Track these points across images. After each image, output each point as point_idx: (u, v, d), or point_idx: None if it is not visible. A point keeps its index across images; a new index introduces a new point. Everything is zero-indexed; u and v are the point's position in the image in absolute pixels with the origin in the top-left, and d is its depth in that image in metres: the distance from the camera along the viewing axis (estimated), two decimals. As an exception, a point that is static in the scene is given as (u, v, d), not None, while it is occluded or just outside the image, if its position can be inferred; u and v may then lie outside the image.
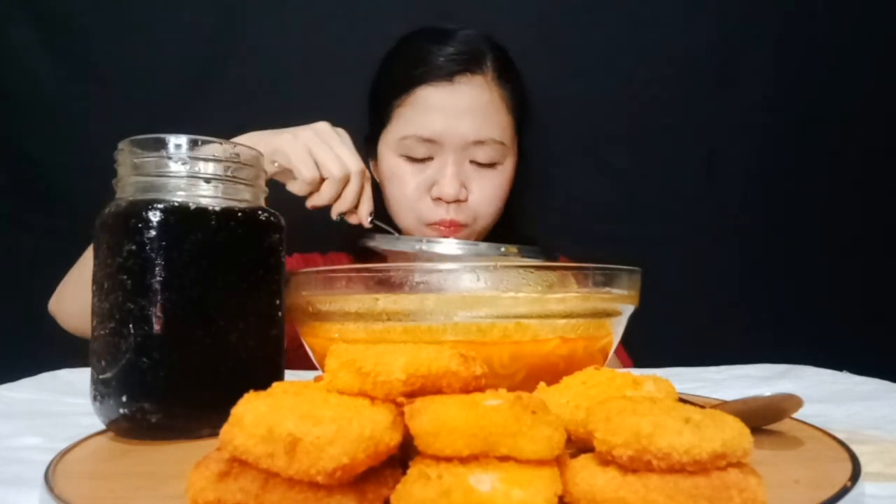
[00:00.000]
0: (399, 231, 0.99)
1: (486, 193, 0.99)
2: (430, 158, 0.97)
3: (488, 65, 0.99)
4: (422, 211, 0.98)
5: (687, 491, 0.27)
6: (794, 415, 0.44)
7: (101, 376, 0.45)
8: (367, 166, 1.09)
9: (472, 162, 0.98)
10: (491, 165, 0.99)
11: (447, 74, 0.96)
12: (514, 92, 1.01)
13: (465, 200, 0.98)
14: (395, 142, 0.98)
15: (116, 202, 0.46)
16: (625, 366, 1.00)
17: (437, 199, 0.97)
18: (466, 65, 0.97)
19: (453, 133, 0.95)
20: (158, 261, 0.43)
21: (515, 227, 1.12)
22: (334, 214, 0.88)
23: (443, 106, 0.96)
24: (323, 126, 0.87)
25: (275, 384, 0.33)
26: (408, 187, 0.98)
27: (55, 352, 0.85)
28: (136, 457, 0.41)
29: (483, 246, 0.80)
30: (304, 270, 0.53)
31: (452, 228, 0.98)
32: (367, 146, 1.07)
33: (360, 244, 0.89)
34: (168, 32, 1.16)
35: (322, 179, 0.84)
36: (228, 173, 0.47)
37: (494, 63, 0.99)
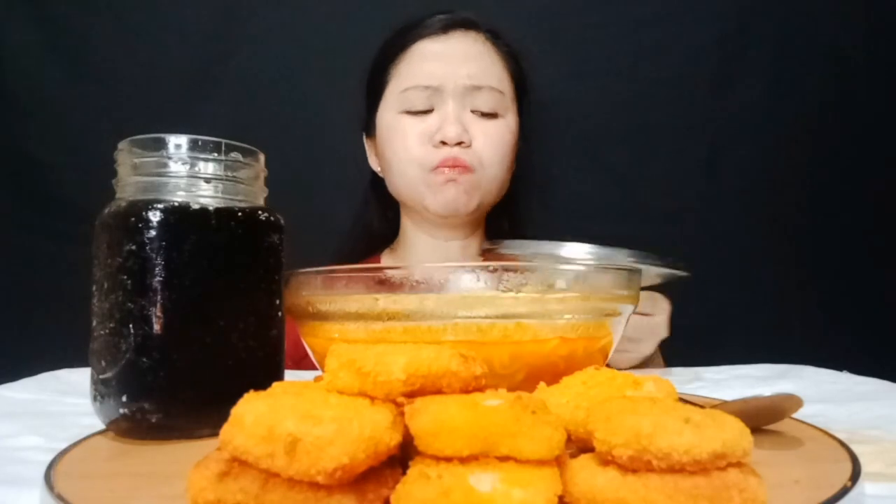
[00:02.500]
0: None
1: (490, 140, 0.98)
2: (430, 111, 0.97)
3: (480, 27, 1.02)
4: (424, 158, 0.97)
5: (687, 491, 0.27)
6: (794, 415, 0.44)
7: (101, 376, 0.45)
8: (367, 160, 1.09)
9: (473, 112, 0.98)
10: (492, 116, 0.99)
11: (441, 28, 0.99)
12: (508, 52, 1.03)
13: (470, 145, 0.97)
14: (395, 97, 0.99)
15: (116, 202, 0.46)
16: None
17: (441, 144, 0.96)
18: (460, 23, 1.00)
19: (452, 79, 0.96)
20: (158, 261, 0.43)
21: (517, 226, 1.11)
22: None
23: (440, 54, 0.98)
24: None
25: (275, 384, 0.33)
26: (410, 138, 0.97)
27: (55, 352, 0.85)
28: (136, 457, 0.41)
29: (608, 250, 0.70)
30: (304, 270, 0.53)
31: (458, 170, 0.96)
32: (366, 132, 1.07)
33: (484, 248, 0.85)
34: (168, 32, 1.16)
35: None
36: (228, 173, 0.47)
37: (486, 27, 1.02)
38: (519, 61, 1.04)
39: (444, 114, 0.96)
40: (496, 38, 1.02)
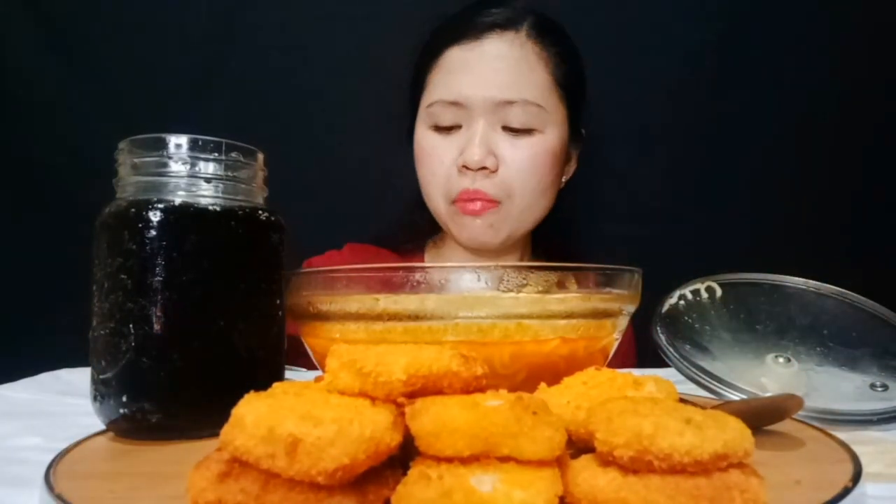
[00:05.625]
0: None
1: (521, 165, 0.87)
2: (458, 127, 0.88)
3: (523, 24, 0.89)
4: (445, 187, 0.88)
5: (688, 492, 0.27)
6: (795, 415, 0.44)
7: (101, 376, 0.44)
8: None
9: (505, 129, 0.87)
10: (527, 133, 0.88)
11: (476, 33, 0.88)
12: (556, 53, 0.91)
13: (496, 171, 0.86)
14: (423, 111, 0.91)
15: (116, 202, 0.46)
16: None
17: (463, 168, 0.86)
18: (498, 23, 0.89)
19: (478, 93, 0.86)
20: (158, 261, 0.43)
21: (567, 242, 1.03)
22: None
23: (468, 65, 0.88)
24: None
25: (275, 384, 0.33)
26: (435, 161, 0.89)
27: (55, 352, 0.85)
28: (136, 457, 0.41)
29: None
30: (305, 270, 0.53)
31: (479, 204, 0.86)
32: (408, 139, 1.00)
33: None
34: (168, 32, 1.16)
35: None
36: (229, 173, 0.47)
37: (532, 22, 0.90)
38: (571, 60, 0.93)
39: (471, 134, 0.86)
40: (542, 34, 0.90)
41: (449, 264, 0.74)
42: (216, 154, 0.46)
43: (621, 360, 1.00)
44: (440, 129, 0.89)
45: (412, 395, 0.31)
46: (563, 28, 0.94)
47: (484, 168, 0.86)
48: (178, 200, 0.45)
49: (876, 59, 1.22)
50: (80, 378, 0.66)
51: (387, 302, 0.48)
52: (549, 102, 0.89)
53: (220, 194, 0.46)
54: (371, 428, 0.28)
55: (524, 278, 0.49)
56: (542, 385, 0.39)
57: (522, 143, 0.88)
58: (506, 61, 0.88)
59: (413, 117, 0.97)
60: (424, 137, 0.91)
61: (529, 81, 0.88)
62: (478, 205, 0.87)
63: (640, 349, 1.00)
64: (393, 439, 0.29)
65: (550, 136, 0.90)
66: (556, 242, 1.03)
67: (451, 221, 0.91)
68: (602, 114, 1.22)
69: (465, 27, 0.89)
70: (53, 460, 0.38)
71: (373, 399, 0.31)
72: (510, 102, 0.86)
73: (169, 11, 1.16)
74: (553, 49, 0.90)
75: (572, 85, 0.93)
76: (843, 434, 0.43)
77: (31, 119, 1.15)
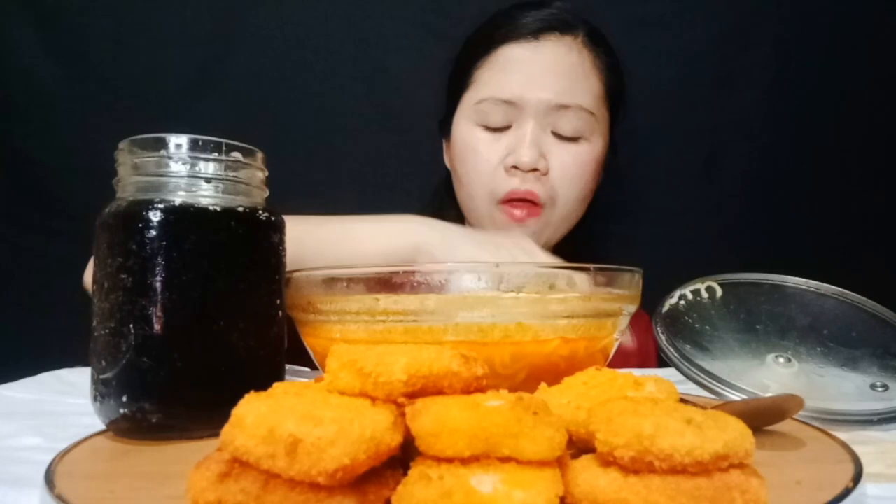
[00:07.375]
0: None
1: (568, 171, 0.87)
2: (507, 127, 0.87)
3: (580, 30, 0.89)
4: (493, 186, 0.87)
5: (689, 492, 0.27)
6: (796, 415, 0.44)
7: (101, 376, 0.44)
8: (442, 154, 1.00)
9: (554, 134, 0.87)
10: (575, 140, 0.87)
11: (533, 32, 0.87)
12: (609, 64, 0.92)
13: (546, 173, 0.85)
14: (470, 107, 0.89)
15: (116, 202, 0.46)
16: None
17: (512, 169, 0.85)
18: (555, 25, 0.88)
19: (534, 94, 0.85)
20: (158, 261, 0.43)
21: (589, 247, 1.02)
22: None
23: (525, 64, 0.86)
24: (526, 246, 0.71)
25: (275, 385, 0.33)
26: (481, 159, 0.87)
27: (55, 352, 0.85)
28: (136, 457, 0.41)
29: None
30: (305, 270, 0.53)
31: (527, 208, 0.85)
32: (441, 130, 1.00)
33: None
34: (168, 32, 1.16)
35: None
36: (229, 173, 0.47)
37: (587, 29, 0.90)
38: (620, 72, 0.93)
39: (521, 134, 0.85)
40: (596, 43, 0.91)
41: (448, 264, 0.74)
42: (216, 154, 0.46)
43: (642, 359, 0.99)
44: (487, 127, 0.88)
45: (412, 396, 0.31)
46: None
47: (535, 170, 0.85)
48: (178, 200, 0.45)
49: (876, 58, 1.22)
50: (80, 378, 0.66)
51: (387, 302, 0.48)
52: (599, 111, 0.90)
53: (220, 194, 0.46)
54: (371, 428, 0.28)
55: (525, 278, 0.49)
56: (543, 385, 0.39)
57: (572, 149, 0.88)
58: (564, 65, 0.87)
59: (450, 111, 0.95)
60: (470, 134, 0.89)
61: (584, 88, 0.88)
62: (522, 212, 0.86)
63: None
64: (393, 439, 0.29)
65: (597, 145, 0.90)
66: (572, 246, 1.02)
67: (492, 222, 0.89)
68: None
69: (521, 25, 0.88)
70: (53, 460, 0.38)
71: (373, 399, 0.31)
72: (565, 107, 0.86)
73: (168, 11, 1.16)
74: (606, 59, 0.91)
75: (618, 97, 0.94)
76: (843, 434, 0.43)
77: (31, 119, 1.15)
